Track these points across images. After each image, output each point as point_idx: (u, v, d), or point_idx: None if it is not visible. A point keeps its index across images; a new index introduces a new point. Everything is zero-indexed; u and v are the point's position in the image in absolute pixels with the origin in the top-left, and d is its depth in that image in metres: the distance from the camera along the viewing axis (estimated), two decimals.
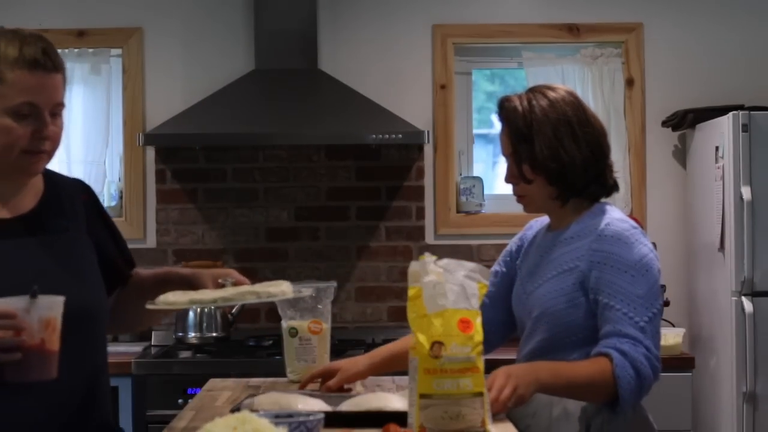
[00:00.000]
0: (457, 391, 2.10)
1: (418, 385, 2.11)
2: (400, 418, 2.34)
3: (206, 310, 4.71)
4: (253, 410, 2.37)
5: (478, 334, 2.12)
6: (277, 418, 1.98)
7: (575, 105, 2.55)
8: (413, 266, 2.20)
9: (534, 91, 2.59)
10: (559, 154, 2.50)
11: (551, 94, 2.55)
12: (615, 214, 2.51)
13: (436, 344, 2.12)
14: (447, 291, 2.17)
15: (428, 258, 2.23)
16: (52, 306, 2.05)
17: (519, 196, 2.62)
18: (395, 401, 2.45)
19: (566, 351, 2.49)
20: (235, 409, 2.44)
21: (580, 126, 2.52)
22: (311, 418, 2.00)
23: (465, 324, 2.13)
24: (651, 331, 2.39)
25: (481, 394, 2.10)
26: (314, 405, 2.40)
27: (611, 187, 2.60)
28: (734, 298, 4.43)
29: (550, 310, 2.50)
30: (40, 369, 2.05)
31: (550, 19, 5.07)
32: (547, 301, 2.50)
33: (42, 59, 2.12)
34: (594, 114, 2.59)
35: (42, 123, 2.12)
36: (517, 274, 2.72)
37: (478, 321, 2.12)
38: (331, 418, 2.26)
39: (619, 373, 2.34)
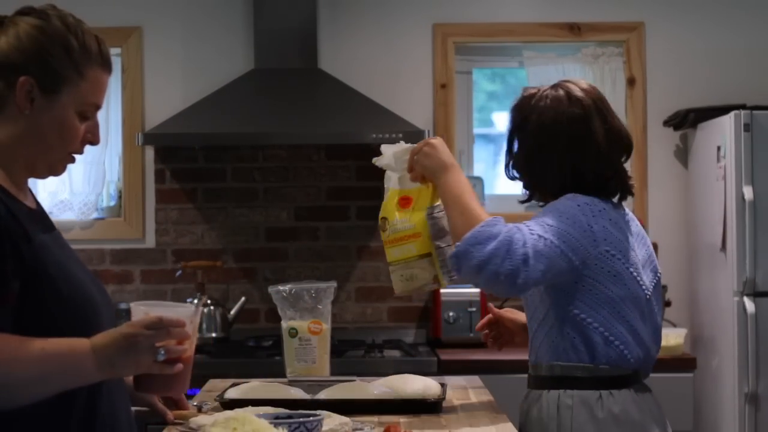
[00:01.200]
0: (405, 256, 2.55)
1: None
2: (377, 405, 2.39)
3: (205, 309, 4.70)
4: (236, 400, 2.39)
5: (422, 204, 2.56)
6: (277, 419, 1.97)
7: (579, 124, 2.50)
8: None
9: (552, 94, 2.55)
10: (533, 169, 2.54)
11: (561, 107, 2.50)
12: (585, 197, 2.48)
13: (382, 219, 2.61)
14: (391, 176, 2.62)
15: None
16: (198, 316, 1.98)
17: None
18: (371, 390, 2.48)
19: (535, 330, 2.51)
20: (220, 400, 2.45)
21: (572, 150, 2.49)
22: (311, 418, 1.99)
23: (405, 201, 2.60)
24: (540, 245, 2.32)
25: (429, 255, 2.52)
26: (293, 393, 2.48)
27: (613, 193, 2.58)
28: (736, 299, 4.41)
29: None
30: (184, 382, 1.98)
31: (551, 18, 5.05)
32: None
33: (110, 59, 2.00)
34: (604, 129, 2.53)
35: (94, 126, 1.99)
36: None
37: (424, 194, 2.56)
38: (310, 406, 2.34)
39: (490, 219, 2.33)
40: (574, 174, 2.48)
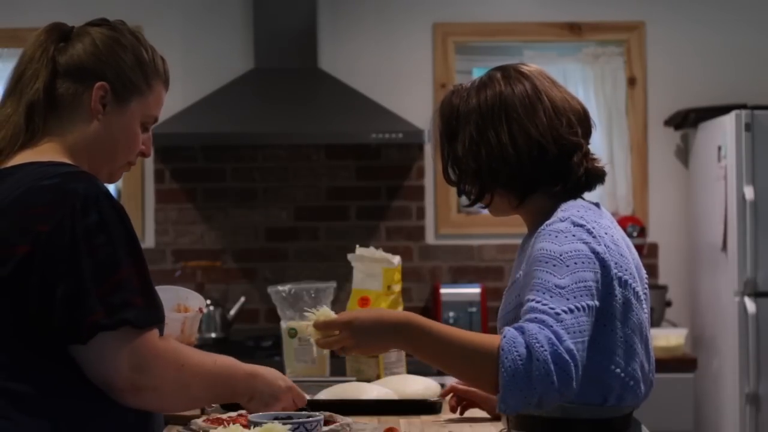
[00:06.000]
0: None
1: None
2: (374, 406, 2.39)
3: (204, 309, 4.69)
4: None
5: (375, 308, 2.90)
6: (276, 419, 1.96)
7: (528, 91, 2.12)
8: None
9: (484, 79, 2.20)
10: (479, 156, 2.12)
11: (502, 83, 2.15)
12: (562, 213, 2.07)
13: None
14: (355, 274, 3.00)
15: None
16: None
17: None
18: (371, 391, 2.48)
19: None
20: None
21: (524, 118, 2.10)
22: (311, 419, 1.99)
23: (364, 301, 2.99)
24: (570, 322, 1.91)
25: (376, 356, 2.88)
26: None
27: (580, 180, 2.13)
28: (737, 299, 4.40)
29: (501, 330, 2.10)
30: None
31: (552, 17, 5.05)
32: (501, 318, 2.17)
33: (169, 78, 2.10)
34: (553, 97, 2.13)
35: (148, 139, 2.06)
36: None
37: (382, 299, 2.97)
38: (309, 407, 2.30)
39: (504, 346, 1.89)
40: (530, 146, 2.09)
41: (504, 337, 1.90)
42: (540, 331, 1.89)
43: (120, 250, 1.82)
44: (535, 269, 1.99)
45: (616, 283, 2.02)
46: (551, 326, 1.90)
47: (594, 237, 2.02)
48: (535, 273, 1.99)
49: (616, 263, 2.03)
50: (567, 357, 1.88)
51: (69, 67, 1.97)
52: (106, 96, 1.97)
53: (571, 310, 1.93)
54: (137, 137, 2.02)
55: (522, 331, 1.90)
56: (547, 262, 1.98)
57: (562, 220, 2.04)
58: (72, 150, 1.96)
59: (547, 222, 2.06)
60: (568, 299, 1.94)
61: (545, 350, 1.87)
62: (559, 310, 1.92)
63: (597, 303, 1.98)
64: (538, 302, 1.93)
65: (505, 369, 1.88)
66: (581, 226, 2.03)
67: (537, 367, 1.87)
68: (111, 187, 5.56)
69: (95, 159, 1.99)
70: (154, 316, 1.86)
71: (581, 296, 1.96)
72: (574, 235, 2.01)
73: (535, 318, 1.92)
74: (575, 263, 1.98)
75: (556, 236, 2.01)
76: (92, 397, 1.84)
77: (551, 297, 1.94)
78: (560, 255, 1.98)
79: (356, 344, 2.04)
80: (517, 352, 1.88)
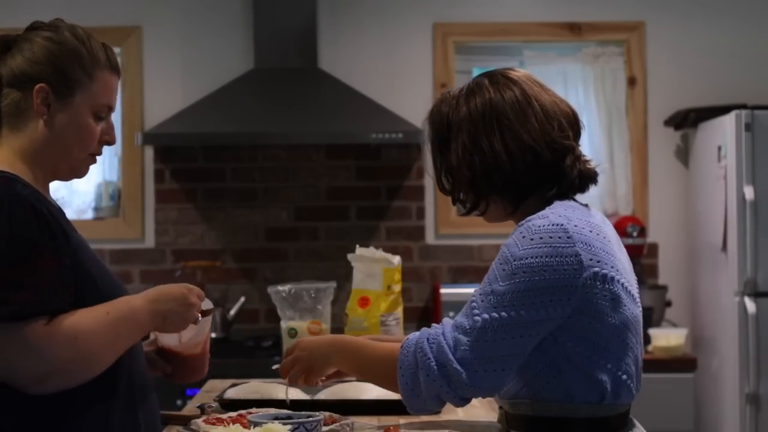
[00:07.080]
0: None
1: None
2: (374, 406, 2.39)
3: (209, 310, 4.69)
4: (235, 401, 2.40)
5: (376, 309, 2.96)
6: (277, 419, 1.96)
7: (517, 96, 2.12)
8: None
9: (472, 85, 2.18)
10: (473, 163, 2.10)
11: (490, 90, 2.13)
12: (546, 211, 2.06)
13: (345, 315, 3.00)
14: (354, 274, 2.99)
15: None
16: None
17: None
18: (371, 391, 2.49)
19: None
20: (219, 400, 2.46)
21: (515, 124, 2.10)
22: (311, 419, 1.99)
23: (364, 301, 2.97)
24: (476, 330, 1.96)
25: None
26: (293, 393, 2.47)
27: (574, 182, 2.13)
28: (737, 299, 4.40)
29: None
30: (204, 369, 2.42)
31: (552, 17, 5.05)
32: None
33: (117, 63, 2.12)
34: (543, 102, 2.12)
35: (110, 127, 2.09)
36: None
37: (382, 299, 2.96)
38: (309, 407, 2.35)
39: (400, 355, 2.04)
40: (524, 151, 2.08)
41: (402, 344, 2.05)
42: (436, 338, 2.01)
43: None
44: (493, 263, 2.04)
45: (597, 281, 2.00)
46: (454, 334, 1.99)
47: (570, 237, 2.00)
48: (490, 267, 2.04)
49: (599, 261, 2.01)
50: (457, 366, 1.97)
51: (10, 77, 2.02)
52: (48, 96, 2.01)
53: (487, 321, 1.97)
54: (90, 129, 2.05)
55: (417, 338, 2.03)
56: (501, 264, 2.01)
57: (541, 218, 2.03)
58: (22, 155, 2.01)
59: (531, 216, 2.05)
60: (495, 307, 1.98)
61: (430, 361, 2.00)
62: (480, 317, 1.98)
63: (554, 312, 1.98)
64: (472, 302, 2.01)
65: (402, 374, 2.04)
66: (559, 225, 2.01)
67: (423, 376, 2.00)
68: (111, 187, 5.46)
69: (49, 158, 2.03)
70: (36, 307, 1.87)
71: (518, 305, 1.97)
72: (541, 238, 1.99)
73: (447, 322, 2.03)
74: (526, 272, 1.98)
75: (523, 237, 2.00)
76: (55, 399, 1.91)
77: (482, 300, 2.00)
78: (514, 260, 1.99)
79: (299, 360, 2.22)
80: (408, 361, 2.03)
